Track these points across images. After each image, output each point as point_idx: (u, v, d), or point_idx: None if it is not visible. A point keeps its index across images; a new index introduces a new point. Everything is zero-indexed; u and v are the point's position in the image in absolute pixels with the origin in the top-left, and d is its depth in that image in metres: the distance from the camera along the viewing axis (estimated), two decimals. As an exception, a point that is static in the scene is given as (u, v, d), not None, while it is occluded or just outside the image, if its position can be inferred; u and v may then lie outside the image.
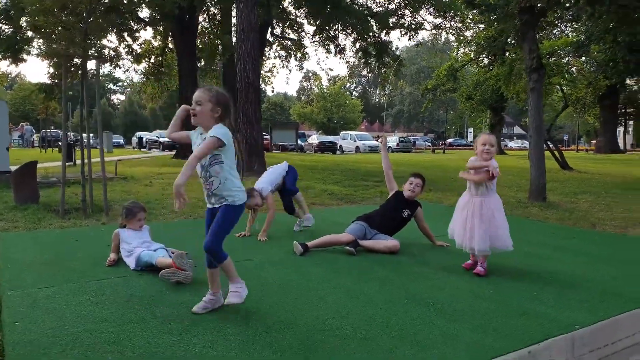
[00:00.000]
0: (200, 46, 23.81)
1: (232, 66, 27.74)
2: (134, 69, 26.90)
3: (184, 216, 6.85)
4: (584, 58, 19.24)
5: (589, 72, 18.68)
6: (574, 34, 18.83)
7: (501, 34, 25.36)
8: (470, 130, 68.00)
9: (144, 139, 36.90)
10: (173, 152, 25.72)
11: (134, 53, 19.68)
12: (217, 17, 24.69)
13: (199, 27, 23.38)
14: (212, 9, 24.78)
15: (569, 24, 18.37)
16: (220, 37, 23.36)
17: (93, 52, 5.91)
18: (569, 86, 17.60)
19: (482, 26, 25.27)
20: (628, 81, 30.22)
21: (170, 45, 23.54)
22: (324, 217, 6.63)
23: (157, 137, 35.85)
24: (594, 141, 50.20)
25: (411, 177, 4.73)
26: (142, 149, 34.66)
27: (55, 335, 2.51)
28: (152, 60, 24.52)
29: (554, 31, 20.77)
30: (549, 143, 16.18)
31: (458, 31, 21.24)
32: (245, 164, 12.83)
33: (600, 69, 17.21)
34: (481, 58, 32.33)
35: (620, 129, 41.39)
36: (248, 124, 12.87)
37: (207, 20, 25.30)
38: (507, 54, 27.87)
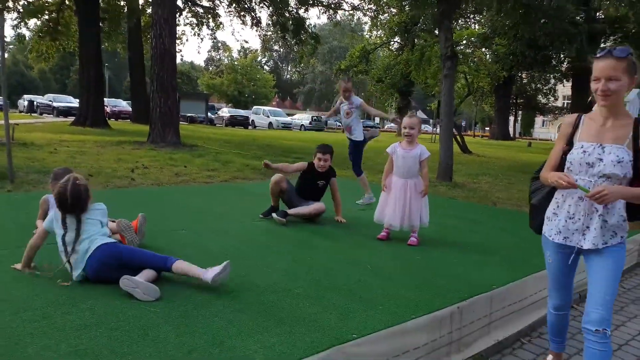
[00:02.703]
0: (103, 6, 22.14)
1: (138, 31, 26.31)
2: (25, 25, 24.13)
3: (99, 186, 6.55)
4: (483, 49, 20.72)
5: (489, 63, 20.19)
6: (478, 26, 20.21)
7: (412, 20, 26.52)
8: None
9: (35, 103, 33.80)
10: (69, 119, 23.96)
11: (27, 5, 17.81)
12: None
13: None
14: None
15: (472, 17, 19.64)
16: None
17: None
18: (473, 75, 18.92)
19: (394, 10, 26.17)
20: (519, 74, 33.02)
21: (67, 2, 21.64)
22: (252, 191, 6.73)
23: (50, 101, 32.98)
24: (488, 128, 54.40)
25: (318, 153, 4.80)
26: (32, 114, 31.75)
27: (2, 300, 2.42)
28: (46, 17, 22.38)
29: (459, 22, 22.09)
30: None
31: (375, 13, 21.77)
32: (160, 133, 12.42)
33: (499, 60, 18.73)
34: (392, 42, 33.52)
35: (512, 118, 45.18)
36: (163, 93, 12.38)
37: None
38: (415, 40, 29.20)
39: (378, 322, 2.42)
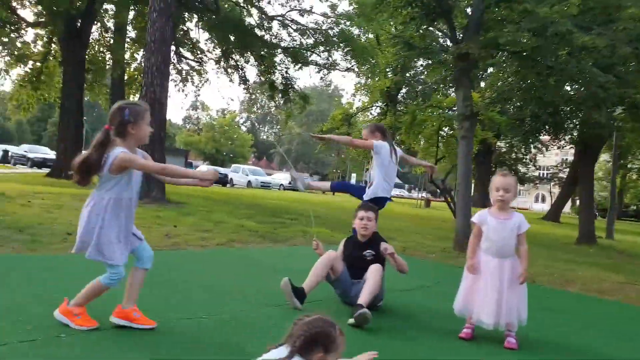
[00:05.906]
0: (88, 58, 21.62)
1: (121, 83, 25.73)
2: (7, 73, 23.29)
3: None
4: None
5: (481, 131, 20.06)
6: (483, 88, 20.28)
7: (397, 85, 26.75)
8: (354, 174, 70.70)
9: (9, 153, 32.42)
10: (44, 170, 22.72)
11: (14, 54, 17.17)
12: (110, 29, 22.79)
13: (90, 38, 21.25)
14: (106, 22, 22.87)
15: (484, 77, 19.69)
16: (113, 51, 21.46)
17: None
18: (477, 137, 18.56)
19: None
20: (498, 143, 33.40)
21: (54, 52, 21.02)
22: (258, 259, 5.82)
23: (25, 152, 31.77)
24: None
25: (360, 212, 3.90)
26: (6, 164, 30.29)
27: None
28: (29, 66, 21.66)
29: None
30: (445, 193, 16.83)
31: (369, 74, 21.92)
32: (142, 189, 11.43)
33: (493, 126, 18.59)
34: (374, 107, 33.79)
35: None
36: (149, 144, 11.46)
37: (99, 31, 23.23)
38: (398, 105, 29.39)
39: None
